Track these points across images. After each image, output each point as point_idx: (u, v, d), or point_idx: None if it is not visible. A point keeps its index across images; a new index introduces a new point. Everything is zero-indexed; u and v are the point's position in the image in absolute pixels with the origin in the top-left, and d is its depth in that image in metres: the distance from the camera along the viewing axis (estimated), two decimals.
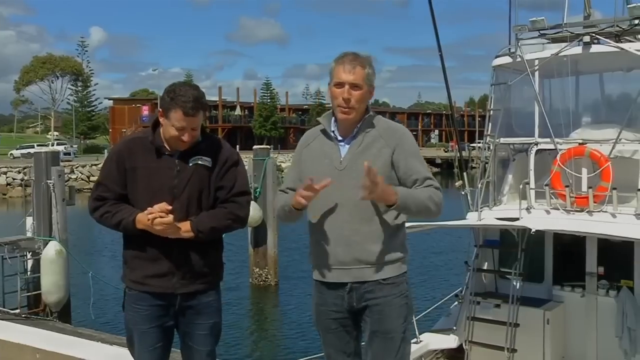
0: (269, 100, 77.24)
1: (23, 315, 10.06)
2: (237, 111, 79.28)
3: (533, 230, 6.63)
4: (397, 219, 3.04)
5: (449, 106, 9.92)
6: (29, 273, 11.36)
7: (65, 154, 47.67)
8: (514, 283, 7.33)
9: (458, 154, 8.44)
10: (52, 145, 55.26)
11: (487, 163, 7.76)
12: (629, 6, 7.39)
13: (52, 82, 76.68)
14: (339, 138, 3.11)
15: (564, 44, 7.42)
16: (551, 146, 7.36)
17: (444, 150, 67.35)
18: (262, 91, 78.90)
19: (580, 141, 7.18)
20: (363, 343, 3.19)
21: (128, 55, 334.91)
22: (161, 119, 3.17)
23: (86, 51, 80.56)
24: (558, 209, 7.09)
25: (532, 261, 7.49)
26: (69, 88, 77.72)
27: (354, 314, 3.10)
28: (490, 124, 8.02)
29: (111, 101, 79.18)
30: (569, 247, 7.59)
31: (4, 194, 41.56)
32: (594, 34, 7.27)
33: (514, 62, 7.69)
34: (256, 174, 15.61)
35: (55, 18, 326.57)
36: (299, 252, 19.99)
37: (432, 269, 16.72)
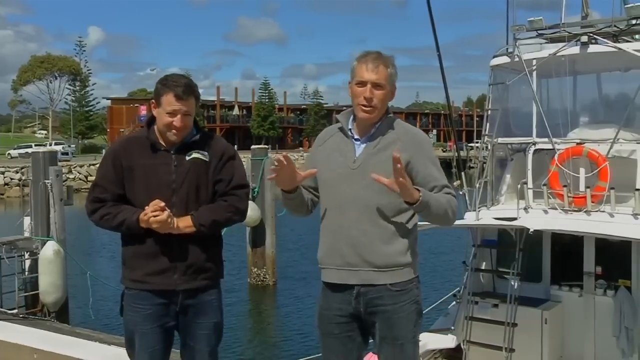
0: (267, 100, 77.22)
1: (21, 316, 10.02)
2: (235, 111, 79.25)
3: (531, 230, 6.63)
4: (408, 222, 2.98)
5: (447, 106, 9.92)
6: (26, 273, 11.32)
7: (63, 153, 47.56)
8: (512, 283, 7.33)
9: (456, 154, 8.43)
10: (50, 144, 55.19)
11: (485, 163, 7.76)
12: (626, 6, 7.40)
13: (50, 82, 76.59)
14: (356, 137, 3.06)
15: (561, 44, 7.42)
16: (549, 146, 7.37)
17: (442, 150, 67.31)
18: (260, 91, 79.00)
19: (578, 141, 7.18)
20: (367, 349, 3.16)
21: (126, 55, 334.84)
22: (155, 111, 3.19)
23: (84, 51, 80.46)
24: (556, 209, 7.09)
25: (530, 261, 7.49)
26: (66, 88, 77.68)
27: (360, 320, 3.03)
28: (488, 124, 8.03)
29: (109, 101, 79.00)
30: (567, 246, 7.59)
31: (2, 194, 41.46)
32: (591, 34, 7.28)
33: (512, 62, 7.69)
34: (254, 173, 15.59)
35: (53, 17, 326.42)
36: (298, 252, 20.02)
37: (430, 269, 16.69)
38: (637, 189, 6.72)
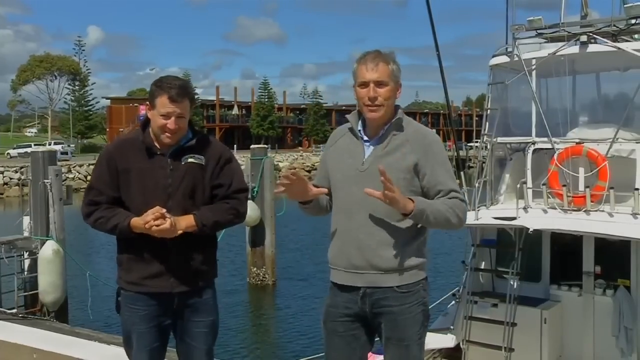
0: (266, 100, 77.16)
1: (20, 315, 10.01)
2: (235, 111, 79.23)
3: (530, 229, 6.64)
4: (416, 224, 2.96)
5: (447, 105, 9.93)
6: (25, 273, 11.31)
7: (62, 153, 47.55)
8: (511, 282, 7.33)
9: (455, 154, 8.43)
10: (50, 144, 55.15)
11: (484, 162, 7.76)
12: (625, 6, 7.40)
13: (49, 82, 76.55)
14: (365, 138, 3.03)
15: (561, 44, 7.42)
16: (548, 145, 7.37)
17: None
18: (259, 90, 78.93)
19: (578, 140, 7.18)
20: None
21: (125, 55, 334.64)
22: (149, 113, 3.18)
23: (83, 50, 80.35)
24: (555, 209, 7.09)
25: (529, 260, 7.49)
26: (66, 87, 77.56)
27: (366, 319, 3.03)
28: (487, 124, 8.02)
29: (108, 100, 79.02)
30: (566, 246, 7.59)
31: (1, 194, 41.45)
32: (591, 34, 7.28)
33: (511, 61, 7.69)
34: (254, 173, 15.58)
35: (52, 17, 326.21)
36: (298, 252, 20.02)
37: (430, 268, 16.66)
38: (637, 189, 6.71)
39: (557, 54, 7.41)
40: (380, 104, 2.92)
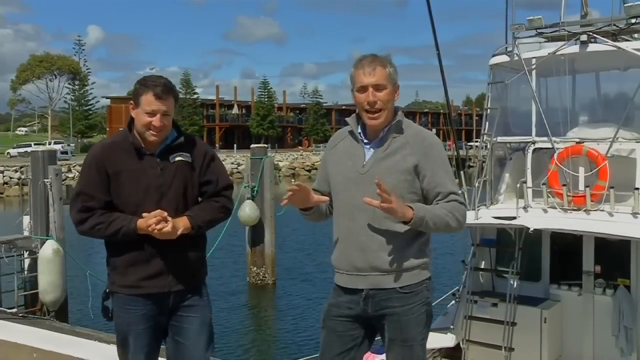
0: (266, 99, 77.18)
1: (20, 315, 10.00)
2: (235, 110, 79.25)
3: (530, 229, 6.63)
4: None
5: (446, 105, 9.92)
6: (25, 272, 11.32)
7: (62, 152, 47.56)
8: (511, 282, 7.33)
9: (455, 153, 8.43)
10: (50, 143, 55.14)
11: (484, 162, 7.75)
12: (625, 5, 7.39)
13: (49, 81, 76.54)
14: (365, 141, 3.04)
15: (561, 43, 7.42)
16: (548, 145, 7.36)
17: None
18: (259, 90, 78.97)
19: (578, 140, 7.18)
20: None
21: (125, 54, 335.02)
22: (133, 113, 3.18)
23: (83, 50, 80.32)
24: (555, 208, 7.09)
25: (529, 260, 7.49)
26: (66, 87, 77.56)
27: (366, 321, 3.04)
28: (487, 123, 8.02)
29: (108, 100, 79.03)
30: (566, 246, 7.59)
31: (1, 193, 41.42)
32: (591, 33, 7.27)
33: (511, 60, 7.68)
34: (253, 172, 15.57)
35: (52, 17, 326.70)
36: (297, 252, 20.02)
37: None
38: (637, 188, 6.71)
39: (557, 53, 7.41)
40: (380, 107, 2.93)
